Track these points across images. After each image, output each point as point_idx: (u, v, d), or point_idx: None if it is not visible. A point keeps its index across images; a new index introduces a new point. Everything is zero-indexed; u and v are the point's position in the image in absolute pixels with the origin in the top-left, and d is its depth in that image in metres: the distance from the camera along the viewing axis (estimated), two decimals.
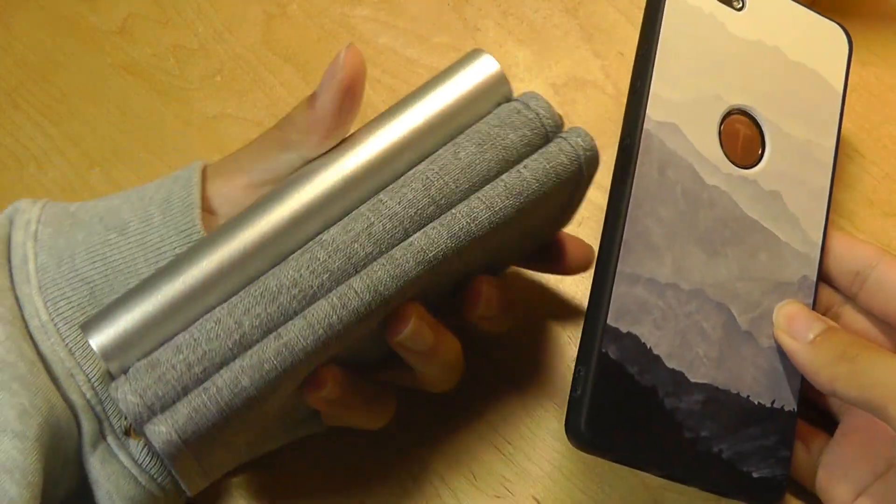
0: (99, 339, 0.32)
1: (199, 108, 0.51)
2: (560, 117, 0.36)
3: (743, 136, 0.38)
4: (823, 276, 0.39)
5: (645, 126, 0.36)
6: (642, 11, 0.51)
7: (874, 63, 0.49)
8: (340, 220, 0.34)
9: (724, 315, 0.36)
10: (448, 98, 0.35)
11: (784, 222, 0.38)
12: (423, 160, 0.35)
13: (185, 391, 0.31)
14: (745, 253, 0.37)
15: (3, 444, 0.32)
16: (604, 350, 0.34)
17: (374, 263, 0.33)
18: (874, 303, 0.38)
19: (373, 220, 0.33)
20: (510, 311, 0.39)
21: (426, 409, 0.42)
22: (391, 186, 0.34)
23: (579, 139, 0.35)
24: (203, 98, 0.52)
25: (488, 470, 0.41)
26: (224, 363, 0.32)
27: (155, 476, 0.36)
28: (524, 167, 0.34)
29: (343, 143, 0.35)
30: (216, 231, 0.34)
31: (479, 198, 0.34)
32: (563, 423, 0.34)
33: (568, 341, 0.44)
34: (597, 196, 0.45)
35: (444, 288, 0.36)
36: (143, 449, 0.36)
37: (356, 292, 0.32)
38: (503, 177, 0.34)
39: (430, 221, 0.33)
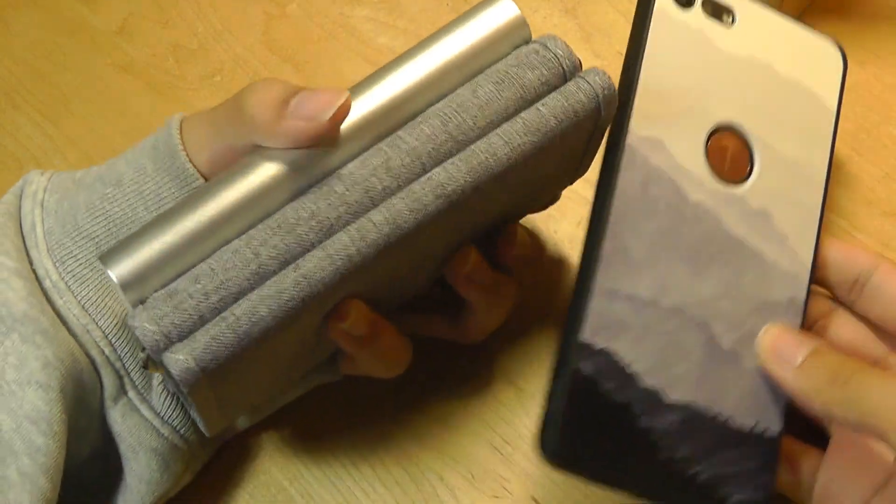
0: (118, 270, 0.32)
1: (199, 107, 0.51)
2: (578, 59, 0.36)
3: (731, 153, 0.38)
4: (821, 283, 0.38)
5: (628, 140, 0.36)
6: None
7: (873, 63, 0.49)
8: (359, 156, 0.34)
9: (706, 334, 0.35)
10: (467, 40, 0.35)
11: (772, 241, 0.37)
12: (441, 100, 0.35)
13: (202, 320, 0.32)
14: (729, 272, 0.36)
15: (29, 396, 0.33)
16: (577, 366, 0.33)
17: (394, 197, 0.33)
18: (872, 309, 0.38)
19: (391, 154, 0.33)
20: (537, 257, 0.41)
21: (425, 409, 0.42)
22: (410, 124, 0.34)
23: (597, 78, 0.35)
24: (203, 98, 0.52)
25: (487, 470, 0.41)
26: (241, 293, 0.32)
27: (178, 427, 0.37)
28: (542, 105, 0.34)
29: (362, 83, 0.35)
30: (235, 166, 0.34)
31: (497, 134, 0.34)
32: (537, 438, 0.33)
33: None
34: None
35: (460, 237, 0.36)
36: (164, 401, 0.36)
37: (375, 225, 0.32)
38: (522, 114, 0.34)
39: (448, 157, 0.34)
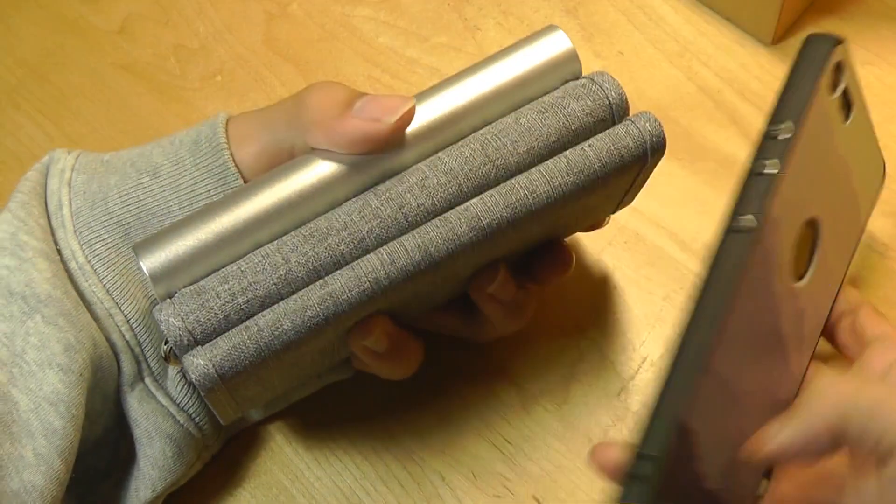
0: (149, 262, 0.33)
1: (200, 107, 0.51)
2: (626, 97, 0.35)
3: (808, 249, 0.36)
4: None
5: (767, 215, 0.32)
6: (642, 11, 0.51)
7: (874, 63, 0.49)
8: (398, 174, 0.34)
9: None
10: (516, 69, 0.35)
11: (797, 340, 0.36)
12: (485, 126, 0.35)
13: (227, 320, 0.32)
14: (771, 368, 0.35)
15: (49, 377, 0.33)
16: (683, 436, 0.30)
17: (428, 224, 0.33)
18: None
19: (428, 173, 0.33)
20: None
21: (427, 409, 0.42)
22: (451, 147, 0.34)
23: (647, 124, 0.35)
24: (203, 98, 0.52)
25: (488, 469, 0.41)
26: (268, 296, 0.32)
27: (193, 415, 0.37)
28: (589, 146, 0.34)
29: (417, 97, 0.35)
30: (276, 170, 0.34)
31: (539, 171, 0.34)
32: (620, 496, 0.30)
33: (568, 342, 0.44)
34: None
35: (491, 259, 0.36)
36: (181, 389, 0.37)
37: (406, 250, 0.32)
38: (566, 153, 0.34)
39: (486, 180, 0.34)
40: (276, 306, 0.32)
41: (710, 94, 0.49)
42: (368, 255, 0.33)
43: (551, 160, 0.34)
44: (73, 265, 0.36)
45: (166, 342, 0.34)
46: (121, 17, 0.55)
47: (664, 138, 0.35)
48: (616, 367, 0.43)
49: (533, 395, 0.43)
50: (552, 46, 0.36)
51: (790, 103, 0.33)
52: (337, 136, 0.33)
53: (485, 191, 0.34)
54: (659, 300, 0.44)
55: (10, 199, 0.36)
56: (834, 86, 0.34)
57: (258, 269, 0.32)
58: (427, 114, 0.35)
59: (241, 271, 0.32)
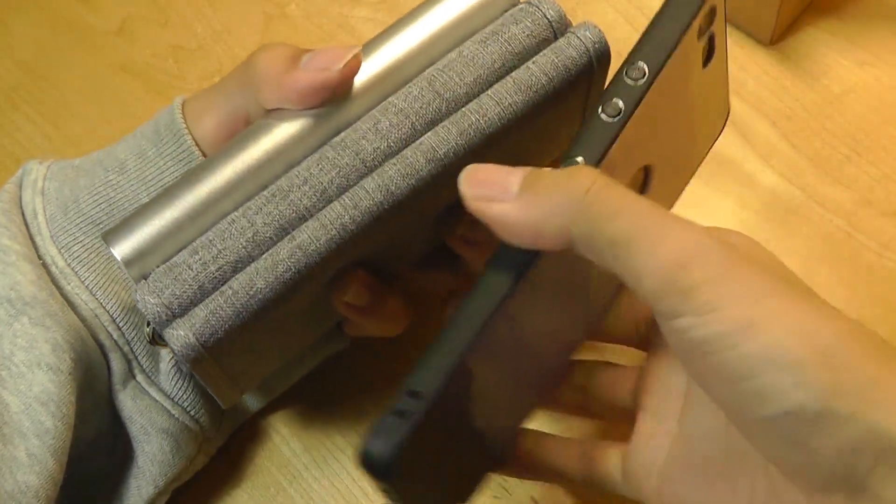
0: (120, 248, 0.33)
1: None
2: (564, 14, 0.35)
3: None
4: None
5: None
6: (640, 12, 0.51)
7: (873, 63, 0.49)
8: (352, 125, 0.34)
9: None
10: (456, 6, 0.35)
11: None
12: (431, 64, 0.35)
13: (202, 290, 0.32)
14: (569, 314, 0.34)
15: (38, 377, 0.33)
16: (454, 379, 0.28)
17: (386, 164, 0.33)
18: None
19: (379, 117, 0.34)
20: None
21: None
22: (400, 90, 0.34)
23: (587, 32, 0.35)
24: None
25: None
26: (239, 261, 0.32)
27: (188, 409, 0.37)
28: (533, 62, 0.34)
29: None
30: (232, 140, 0.35)
31: (488, 94, 0.34)
32: (370, 436, 0.28)
33: None
34: None
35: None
36: (174, 383, 0.37)
37: (367, 192, 0.32)
38: (512, 73, 0.34)
39: (437, 115, 0.34)
40: (248, 267, 0.32)
41: None
42: (332, 203, 0.33)
43: (499, 83, 0.34)
44: (54, 270, 0.36)
45: (148, 324, 0.34)
46: (119, 18, 0.55)
47: (607, 45, 0.35)
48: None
49: None
50: None
51: (654, 46, 0.31)
52: (287, 90, 0.34)
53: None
54: None
55: None
56: (702, 32, 0.32)
57: (226, 236, 0.33)
58: (375, 63, 0.35)
59: (210, 241, 0.33)
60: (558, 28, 0.35)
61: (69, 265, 0.36)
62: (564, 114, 0.37)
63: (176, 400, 0.37)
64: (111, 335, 0.36)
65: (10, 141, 0.51)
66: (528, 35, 0.35)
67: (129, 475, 0.38)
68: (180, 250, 0.33)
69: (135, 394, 0.36)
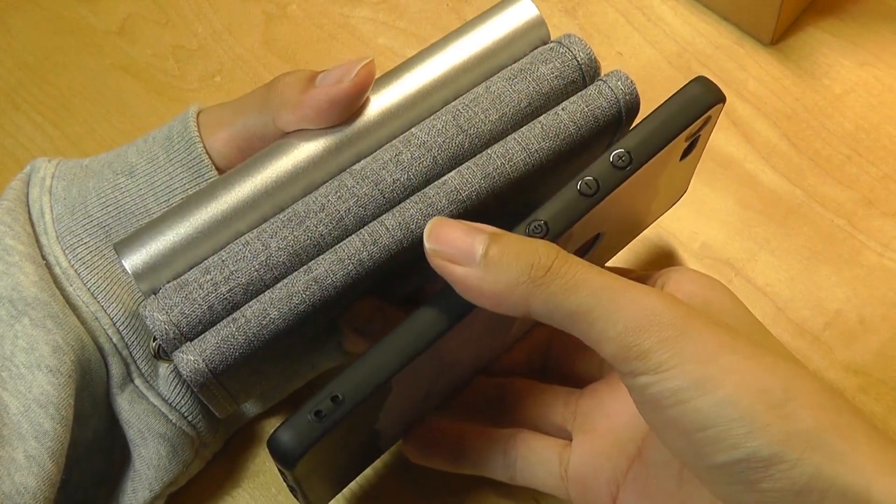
0: (131, 260, 0.33)
1: None
2: (595, 57, 0.35)
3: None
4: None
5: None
6: (641, 12, 0.52)
7: (873, 63, 0.49)
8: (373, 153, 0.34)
9: None
10: (484, 38, 0.35)
11: None
12: (456, 97, 0.35)
13: (212, 311, 0.32)
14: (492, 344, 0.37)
15: (38, 379, 0.33)
16: (376, 392, 0.30)
17: (407, 202, 0.33)
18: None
19: (401, 149, 0.34)
20: None
21: None
22: (423, 121, 0.34)
23: (619, 83, 0.35)
24: (202, 98, 0.52)
25: None
26: (250, 283, 0.32)
27: (185, 414, 0.37)
28: (562, 109, 0.34)
29: (378, 82, 0.35)
30: (250, 158, 0.35)
31: (515, 138, 0.34)
32: (285, 426, 0.30)
33: None
34: None
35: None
36: (173, 388, 0.37)
37: (387, 229, 0.32)
38: (541, 118, 0.34)
39: (460, 150, 0.34)
40: (262, 296, 0.32)
41: None
42: (350, 237, 0.32)
43: (526, 126, 0.34)
44: (57, 270, 0.36)
45: (155, 339, 0.34)
46: (120, 18, 0.55)
47: (637, 96, 0.35)
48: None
49: None
50: (518, 14, 0.36)
51: (646, 140, 0.32)
52: (304, 108, 0.34)
53: (460, 161, 0.34)
54: None
55: None
56: (692, 135, 0.34)
57: (239, 257, 0.32)
58: (398, 91, 0.35)
59: (223, 261, 0.32)
60: (587, 71, 0.35)
61: (72, 266, 0.36)
62: (586, 161, 0.37)
63: (174, 405, 0.37)
64: (111, 338, 0.36)
65: (11, 141, 0.51)
66: (556, 76, 0.34)
67: (126, 478, 0.38)
68: (192, 267, 0.33)
69: (132, 398, 0.36)
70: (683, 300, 0.31)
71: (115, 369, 0.36)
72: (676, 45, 0.50)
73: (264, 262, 0.32)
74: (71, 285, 0.36)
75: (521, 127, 0.34)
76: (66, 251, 0.36)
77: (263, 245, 0.32)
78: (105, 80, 0.53)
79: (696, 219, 0.46)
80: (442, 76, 0.35)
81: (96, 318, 0.35)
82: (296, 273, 0.32)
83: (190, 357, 0.31)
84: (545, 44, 0.36)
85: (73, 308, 0.35)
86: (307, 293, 0.32)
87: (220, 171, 0.36)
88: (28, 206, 0.37)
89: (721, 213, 0.46)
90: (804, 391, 0.27)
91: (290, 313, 0.32)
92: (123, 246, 0.33)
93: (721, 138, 0.48)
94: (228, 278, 0.32)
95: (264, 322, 0.32)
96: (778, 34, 0.49)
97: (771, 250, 0.45)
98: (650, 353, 0.28)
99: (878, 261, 0.44)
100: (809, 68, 0.49)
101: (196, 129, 0.36)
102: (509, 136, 0.34)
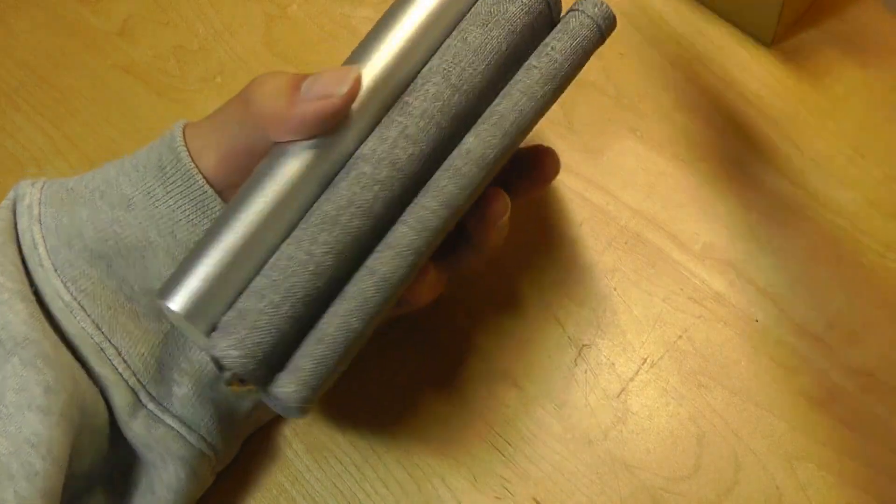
0: (179, 304, 0.32)
1: (200, 109, 0.51)
2: None
3: None
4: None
5: None
6: (642, 12, 0.51)
7: (874, 63, 0.49)
8: (374, 132, 0.34)
9: None
10: None
11: None
12: (433, 54, 0.35)
13: (280, 332, 0.32)
14: None
15: (29, 420, 0.33)
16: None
17: (441, 178, 0.33)
18: None
19: (405, 122, 0.34)
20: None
21: (427, 410, 0.42)
22: (412, 87, 0.34)
23: (595, 9, 0.35)
24: (203, 99, 0.52)
25: (488, 471, 0.41)
26: (307, 295, 0.32)
27: (205, 434, 0.37)
28: (552, 49, 0.35)
29: (353, 56, 0.35)
30: (256, 171, 0.34)
31: (518, 90, 0.34)
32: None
33: (569, 342, 0.44)
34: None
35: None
36: (189, 408, 0.36)
37: (432, 211, 0.33)
38: (533, 62, 0.35)
39: (459, 108, 0.34)
40: (334, 308, 0.32)
41: (710, 95, 0.49)
42: (398, 227, 0.33)
43: (522, 73, 0.34)
44: (58, 304, 0.35)
45: (225, 369, 0.33)
46: (121, 19, 0.55)
47: (613, 15, 0.35)
48: (616, 369, 0.43)
49: (533, 396, 0.42)
50: None
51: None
52: (292, 124, 0.33)
53: (462, 120, 0.34)
54: (659, 301, 0.44)
55: None
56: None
57: (289, 273, 0.32)
58: (378, 62, 0.34)
59: (274, 281, 0.32)
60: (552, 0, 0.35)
61: (75, 299, 0.35)
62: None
63: (193, 426, 0.37)
64: (116, 368, 0.35)
65: (11, 142, 0.51)
66: (525, 12, 0.35)
67: (143, 501, 0.38)
68: (239, 293, 0.33)
69: (148, 423, 0.36)
70: None
71: (120, 399, 0.36)
72: (678, 46, 0.50)
73: (314, 272, 0.32)
74: (75, 318, 0.35)
75: (506, 70, 0.35)
76: (67, 283, 0.35)
77: (307, 254, 0.32)
78: (106, 80, 0.53)
79: (697, 219, 0.46)
80: (414, 37, 0.35)
81: (101, 350, 0.35)
82: (360, 277, 0.33)
83: (292, 388, 0.32)
84: None
85: (73, 341, 0.35)
86: (379, 294, 0.32)
87: (217, 192, 0.36)
88: (17, 236, 0.36)
89: (722, 214, 0.46)
90: None
91: (368, 316, 0.32)
92: (165, 293, 0.33)
93: (722, 139, 0.48)
94: (285, 297, 0.32)
95: (349, 334, 0.32)
96: (779, 35, 0.49)
97: (773, 251, 0.45)
98: None
99: (880, 262, 0.44)
100: (811, 69, 0.49)
101: (190, 159, 0.35)
102: (513, 89, 0.34)
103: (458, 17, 0.35)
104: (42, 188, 0.38)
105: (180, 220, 0.36)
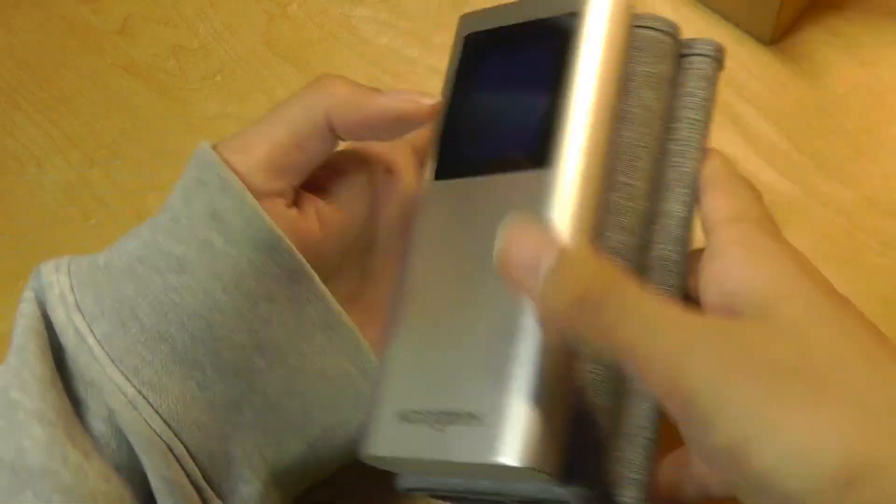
0: (528, 460, 0.28)
1: (200, 108, 0.51)
2: (673, 21, 0.36)
3: None
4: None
5: None
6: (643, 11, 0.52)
7: (874, 63, 0.49)
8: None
9: None
10: (602, 53, 0.34)
11: None
12: (626, 126, 0.34)
13: (630, 464, 0.32)
14: None
15: None
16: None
17: (666, 252, 0.34)
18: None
19: (638, 211, 0.34)
20: None
21: None
22: (624, 162, 0.34)
23: (710, 49, 0.36)
24: (203, 98, 0.52)
25: None
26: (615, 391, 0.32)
27: None
28: (695, 95, 0.35)
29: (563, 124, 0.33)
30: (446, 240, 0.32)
31: (683, 141, 0.35)
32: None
33: None
34: None
35: None
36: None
37: (671, 288, 0.34)
38: (687, 114, 0.35)
39: (657, 174, 0.35)
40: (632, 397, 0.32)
41: None
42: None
43: (686, 130, 0.35)
44: (120, 399, 0.31)
45: (596, 489, 0.30)
46: (121, 18, 0.55)
47: (722, 48, 0.36)
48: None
49: None
50: (602, 6, 0.34)
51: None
52: (370, 111, 0.32)
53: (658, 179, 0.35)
54: None
55: (11, 341, 0.33)
56: None
57: (599, 401, 0.31)
58: (578, 143, 0.33)
59: (605, 424, 0.31)
60: (676, 37, 0.36)
61: (140, 393, 0.31)
62: None
63: None
64: (183, 468, 0.32)
65: (11, 141, 0.51)
66: (674, 67, 0.35)
67: None
68: (549, 413, 0.29)
69: None
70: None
71: (184, 501, 0.32)
72: None
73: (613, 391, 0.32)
74: (141, 414, 0.31)
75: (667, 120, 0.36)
76: (129, 376, 0.32)
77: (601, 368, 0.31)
78: (106, 79, 0.53)
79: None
80: (604, 112, 0.33)
81: (170, 449, 0.32)
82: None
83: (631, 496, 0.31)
84: (633, 16, 0.35)
85: (139, 437, 0.31)
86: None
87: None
88: (55, 331, 0.32)
89: None
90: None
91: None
92: (501, 448, 0.28)
93: (722, 138, 0.48)
94: (617, 428, 0.32)
95: (644, 420, 0.32)
96: (778, 33, 0.49)
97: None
98: (692, 401, 0.24)
99: (880, 260, 0.44)
100: (810, 67, 0.49)
101: (251, 199, 0.32)
102: (681, 146, 0.35)
103: (622, 71, 0.34)
104: (69, 271, 0.33)
105: (245, 271, 0.32)
